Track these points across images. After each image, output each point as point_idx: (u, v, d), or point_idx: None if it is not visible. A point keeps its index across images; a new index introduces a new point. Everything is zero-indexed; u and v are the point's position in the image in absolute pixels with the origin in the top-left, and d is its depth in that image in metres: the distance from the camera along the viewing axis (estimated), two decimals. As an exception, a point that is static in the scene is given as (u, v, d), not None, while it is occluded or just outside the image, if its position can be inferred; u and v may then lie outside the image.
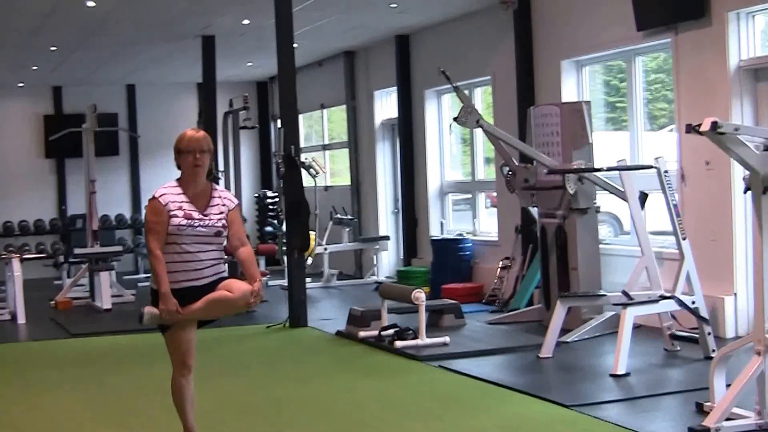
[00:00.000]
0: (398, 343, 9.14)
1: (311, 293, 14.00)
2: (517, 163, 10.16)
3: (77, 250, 13.48)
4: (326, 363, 9.03)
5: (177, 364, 5.64)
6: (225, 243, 5.68)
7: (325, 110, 17.07)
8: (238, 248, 5.67)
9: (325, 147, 17.21)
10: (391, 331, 9.42)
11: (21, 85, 17.74)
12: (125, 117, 18.64)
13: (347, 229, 15.20)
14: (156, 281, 5.45)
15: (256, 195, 18.48)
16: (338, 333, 10.19)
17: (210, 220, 5.54)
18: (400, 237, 14.99)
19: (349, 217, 15.21)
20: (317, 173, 13.22)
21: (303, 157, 11.81)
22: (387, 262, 14.98)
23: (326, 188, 16.92)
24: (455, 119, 9.96)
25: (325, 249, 14.79)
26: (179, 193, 5.55)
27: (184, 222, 5.47)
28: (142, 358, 9.38)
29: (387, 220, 15.25)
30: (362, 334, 9.73)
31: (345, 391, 7.77)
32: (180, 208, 5.49)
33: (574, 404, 6.75)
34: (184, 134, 5.62)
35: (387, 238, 14.86)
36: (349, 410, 7.11)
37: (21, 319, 11.91)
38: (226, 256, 6.04)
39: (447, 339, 9.26)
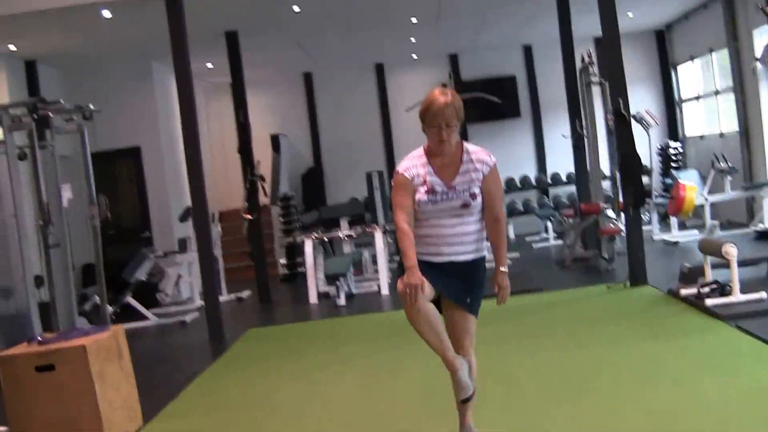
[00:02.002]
0: (708, 302, 8.67)
1: (693, 245, 13.57)
2: None
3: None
4: (627, 325, 8.68)
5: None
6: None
7: (714, 54, 16.18)
8: (491, 224, 5.13)
9: (716, 93, 16.33)
10: (707, 289, 8.98)
11: (415, 57, 18.57)
12: (524, 78, 18.91)
13: (729, 178, 14.40)
14: (402, 256, 4.99)
15: (659, 146, 18.06)
16: (669, 291, 9.84)
17: (455, 191, 5.01)
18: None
19: (730, 165, 14.39)
20: (650, 126, 12.65)
21: (635, 110, 11.39)
22: (781, 209, 13.99)
23: (721, 135, 16.13)
24: (758, 59, 9.22)
25: (706, 199, 14.21)
26: (424, 164, 5.07)
27: (425, 198, 5.00)
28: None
29: (779, 166, 14.22)
30: (683, 292, 9.31)
31: (610, 355, 7.46)
32: (424, 182, 5.02)
33: None
34: (430, 102, 5.01)
35: (770, 184, 13.89)
36: (587, 376, 6.84)
37: (384, 290, 12.56)
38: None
39: (763, 294, 8.64)
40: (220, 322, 10.57)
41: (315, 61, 18.03)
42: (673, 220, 14.66)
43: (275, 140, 17.05)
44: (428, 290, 4.88)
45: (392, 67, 18.94)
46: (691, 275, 9.53)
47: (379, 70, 18.97)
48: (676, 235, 14.50)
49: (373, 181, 16.20)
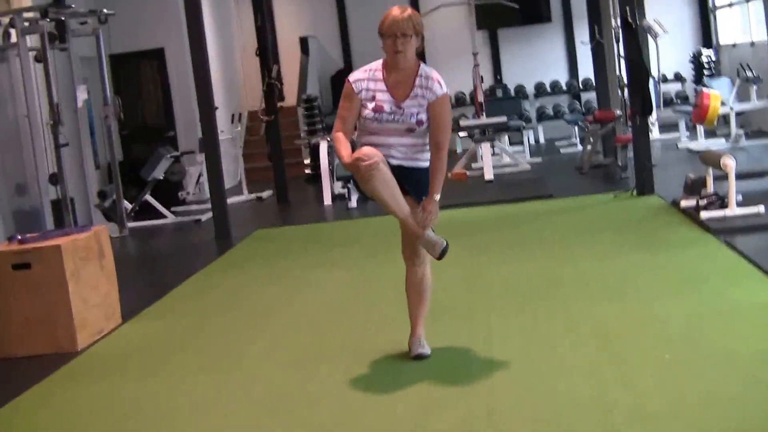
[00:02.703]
0: (703, 214, 8.48)
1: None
2: None
3: (462, 122, 13.73)
4: (618, 236, 8.53)
5: (402, 248, 5.16)
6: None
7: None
8: (432, 150, 4.97)
9: (747, 0, 15.83)
10: (705, 201, 8.78)
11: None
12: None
13: (755, 87, 14.02)
14: (339, 158, 4.93)
15: (692, 53, 17.63)
16: (673, 202, 9.64)
17: (403, 114, 4.89)
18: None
19: (756, 74, 14.00)
20: (658, 35, 12.24)
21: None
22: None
23: (752, 44, 15.66)
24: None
25: (731, 108, 13.88)
26: (378, 79, 4.96)
27: (371, 115, 4.90)
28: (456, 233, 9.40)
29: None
30: (683, 203, 9.12)
31: (588, 265, 7.33)
32: (373, 98, 4.92)
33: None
34: (386, 16, 4.89)
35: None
36: (554, 287, 6.72)
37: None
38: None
39: (761, 209, 8.42)
40: (226, 222, 10.59)
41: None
42: (700, 129, 14.36)
43: (304, 42, 16.90)
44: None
45: (425, -31, 18.56)
46: (694, 186, 9.30)
47: (411, -28, 18.63)
48: (701, 143, 14.19)
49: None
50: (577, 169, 13.29)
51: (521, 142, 15.87)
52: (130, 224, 12.12)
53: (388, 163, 4.89)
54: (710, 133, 14.92)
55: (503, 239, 8.92)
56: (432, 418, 4.38)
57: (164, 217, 12.54)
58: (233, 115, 14.95)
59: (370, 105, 4.91)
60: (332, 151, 13.06)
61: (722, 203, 8.63)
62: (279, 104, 13.53)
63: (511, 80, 18.53)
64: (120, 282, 7.16)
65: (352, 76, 5.01)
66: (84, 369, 6.00)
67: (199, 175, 13.78)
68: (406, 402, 4.62)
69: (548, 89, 18.43)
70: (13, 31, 10.37)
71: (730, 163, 8.49)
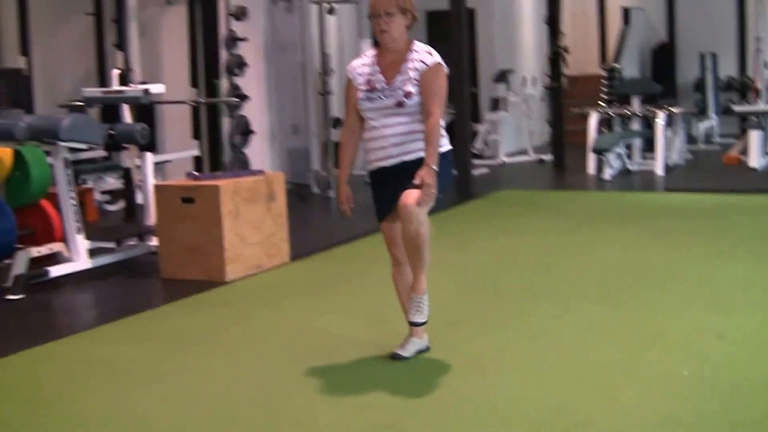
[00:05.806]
0: None
1: None
2: None
3: (735, 107, 12.45)
4: (741, 246, 7.32)
5: (389, 254, 4.82)
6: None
7: None
8: (424, 119, 4.51)
9: None
10: None
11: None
12: None
13: None
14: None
15: None
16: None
17: (392, 90, 4.52)
18: None
19: None
20: None
21: None
22: None
23: None
24: None
25: None
26: (372, 63, 4.63)
27: (363, 96, 4.57)
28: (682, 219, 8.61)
29: None
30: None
31: (700, 273, 6.39)
32: (367, 81, 4.59)
33: None
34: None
35: None
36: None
37: (659, 171, 11.59)
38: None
39: None
40: (468, 180, 10.58)
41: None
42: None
43: (626, 13, 16.18)
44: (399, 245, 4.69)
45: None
46: None
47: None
48: None
49: (706, 62, 15.07)
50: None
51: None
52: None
53: (385, 168, 4.60)
54: None
55: (661, 228, 8.15)
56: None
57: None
58: (523, 77, 14.73)
59: (363, 87, 4.59)
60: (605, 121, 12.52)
61: None
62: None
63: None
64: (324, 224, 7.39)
65: (350, 65, 4.74)
66: (219, 297, 6.33)
67: (487, 133, 13.76)
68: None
69: None
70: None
71: None
